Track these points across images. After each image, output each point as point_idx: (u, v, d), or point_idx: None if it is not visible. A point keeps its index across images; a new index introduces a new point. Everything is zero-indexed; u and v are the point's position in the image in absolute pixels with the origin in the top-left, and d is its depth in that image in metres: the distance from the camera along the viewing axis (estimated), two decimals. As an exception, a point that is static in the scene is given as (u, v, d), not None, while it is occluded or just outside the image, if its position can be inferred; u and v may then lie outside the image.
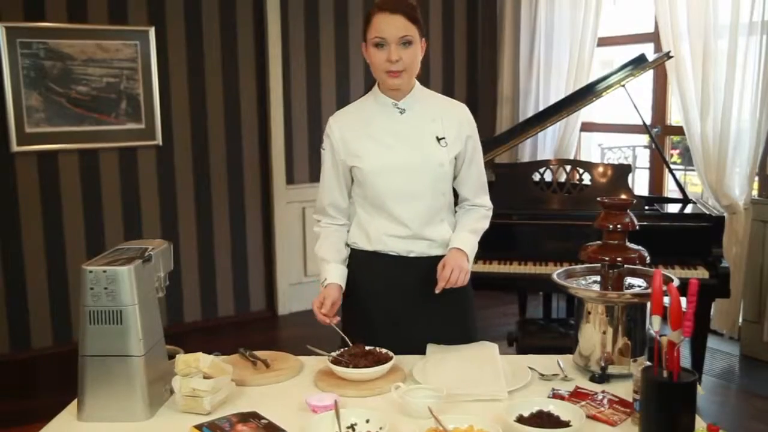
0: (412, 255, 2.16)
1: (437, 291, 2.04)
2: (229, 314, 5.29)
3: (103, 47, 4.67)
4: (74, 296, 4.67)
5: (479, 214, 2.23)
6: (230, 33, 5.08)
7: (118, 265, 1.73)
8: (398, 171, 2.10)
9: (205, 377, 1.77)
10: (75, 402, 1.78)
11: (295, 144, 5.36)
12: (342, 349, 1.99)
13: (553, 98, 5.23)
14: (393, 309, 2.17)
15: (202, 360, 1.79)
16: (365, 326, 2.18)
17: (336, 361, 1.92)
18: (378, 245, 2.16)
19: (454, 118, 2.16)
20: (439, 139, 2.12)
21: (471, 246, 2.14)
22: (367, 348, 1.99)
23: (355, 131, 2.14)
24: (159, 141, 4.89)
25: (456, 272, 2.03)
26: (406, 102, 2.13)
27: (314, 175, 5.44)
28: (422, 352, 2.09)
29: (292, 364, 2.03)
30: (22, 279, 4.59)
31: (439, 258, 2.10)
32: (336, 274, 2.14)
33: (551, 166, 3.84)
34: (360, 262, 2.20)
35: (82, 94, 4.64)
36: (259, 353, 2.06)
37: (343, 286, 2.15)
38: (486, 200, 2.26)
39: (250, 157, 5.23)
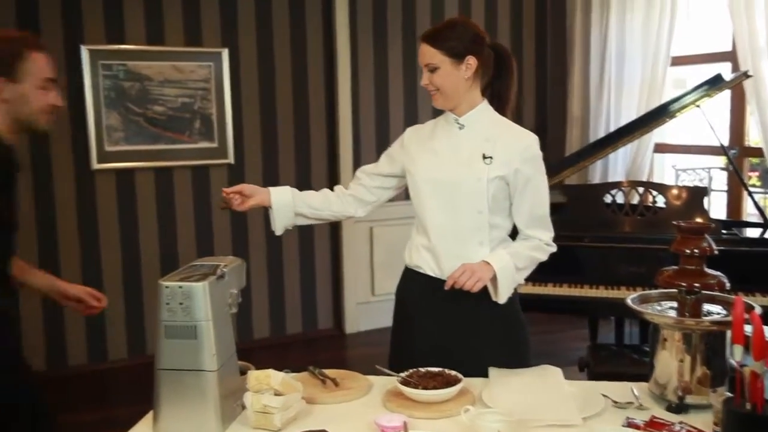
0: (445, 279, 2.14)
1: (446, 288, 2.07)
2: (297, 332, 5.35)
3: (179, 68, 4.82)
4: (148, 310, 4.80)
5: (531, 243, 2.19)
6: (300, 53, 5.18)
7: (193, 281, 1.78)
8: (440, 183, 2.18)
9: (275, 394, 1.79)
10: (150, 414, 1.82)
11: (363, 162, 5.36)
12: (411, 371, 1.99)
13: (625, 119, 5.13)
14: (433, 334, 2.21)
15: (273, 377, 1.82)
16: (410, 349, 2.24)
17: (405, 382, 1.92)
18: (415, 258, 2.25)
19: (510, 145, 2.15)
20: (485, 157, 2.14)
21: (502, 263, 2.10)
22: (436, 369, 1.99)
23: (421, 141, 2.28)
24: (231, 159, 5.01)
25: (467, 274, 2.04)
26: (466, 119, 2.20)
27: (381, 195, 5.47)
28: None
29: (361, 384, 2.04)
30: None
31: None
32: (278, 188, 2.31)
33: (623, 188, 3.77)
34: (406, 280, 2.32)
35: (158, 114, 4.80)
36: (328, 371, 2.08)
37: (272, 202, 2.28)
38: (542, 235, 2.20)
39: (318, 175, 5.30)
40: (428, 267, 2.22)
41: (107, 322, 4.76)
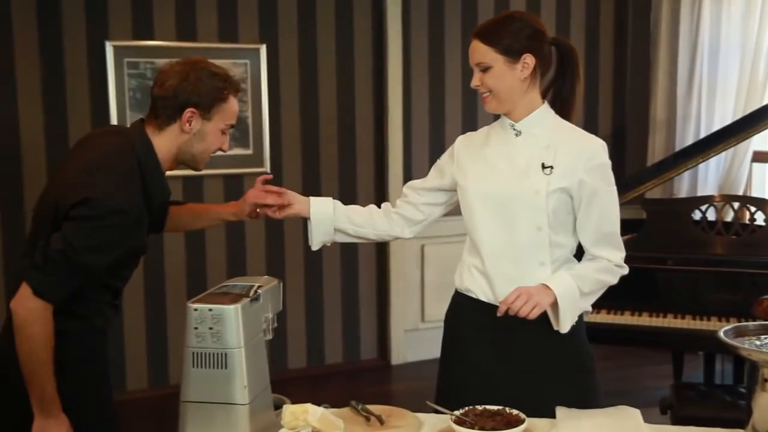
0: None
1: (498, 314, 2.07)
2: (337, 362, 5.36)
3: (212, 67, 4.90)
4: (172, 336, 4.88)
5: (599, 265, 2.18)
6: (347, 50, 5.22)
7: (225, 303, 1.80)
8: (493, 196, 2.18)
9: (313, 432, 1.80)
10: (174, 451, 1.85)
11: (414, 174, 5.40)
12: (466, 408, 1.98)
13: (718, 123, 5.07)
14: (485, 367, 2.21)
15: (312, 412, 1.82)
16: (459, 383, 2.25)
17: (460, 421, 1.91)
18: (466, 280, 2.25)
19: (574, 152, 2.15)
20: (544, 167, 2.13)
21: (563, 286, 2.09)
22: (495, 408, 1.98)
23: (473, 151, 2.29)
24: (267, 168, 5.06)
25: (522, 299, 2.03)
26: (524, 124, 2.20)
27: (435, 209, 5.47)
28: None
29: (410, 422, 2.04)
30: (120, 317, 4.81)
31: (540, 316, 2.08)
32: (319, 199, 2.38)
33: (715, 203, 3.74)
34: (456, 306, 2.32)
35: (188, 118, 4.88)
36: (372, 407, 2.08)
37: (311, 213, 2.35)
38: (612, 255, 2.18)
39: (365, 188, 5.33)
40: (480, 291, 2.22)
41: (126, 349, 4.84)
